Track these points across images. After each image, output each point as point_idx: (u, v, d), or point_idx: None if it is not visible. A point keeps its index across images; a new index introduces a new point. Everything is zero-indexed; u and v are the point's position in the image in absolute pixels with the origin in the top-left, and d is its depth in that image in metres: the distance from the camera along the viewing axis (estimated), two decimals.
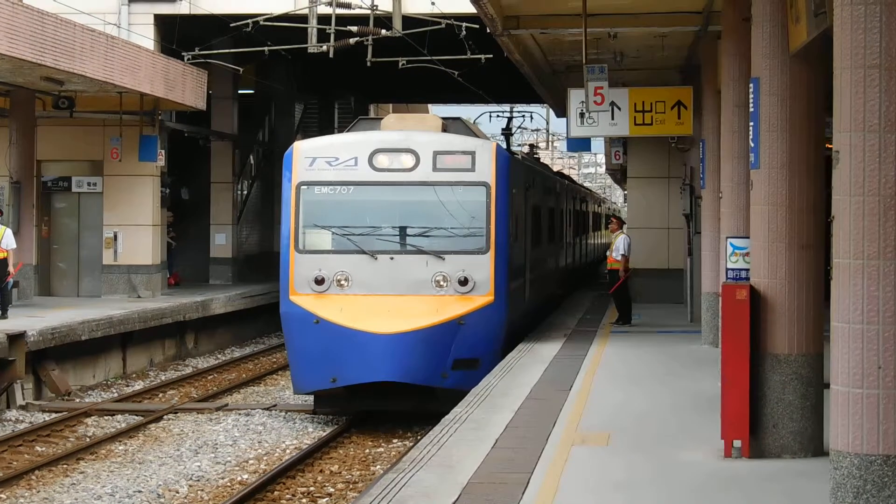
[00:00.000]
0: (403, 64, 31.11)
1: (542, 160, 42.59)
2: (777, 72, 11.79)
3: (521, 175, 21.29)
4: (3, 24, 21.80)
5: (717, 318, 12.91)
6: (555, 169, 43.38)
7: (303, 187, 17.88)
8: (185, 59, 29.61)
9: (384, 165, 17.93)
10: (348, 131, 20.15)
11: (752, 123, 12.03)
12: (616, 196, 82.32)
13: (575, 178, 62.04)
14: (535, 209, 24.61)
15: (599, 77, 20.24)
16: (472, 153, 17.98)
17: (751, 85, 12.10)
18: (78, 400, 21.28)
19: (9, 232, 22.93)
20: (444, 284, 17.55)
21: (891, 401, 6.53)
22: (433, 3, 28.25)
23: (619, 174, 48.88)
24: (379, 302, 17.25)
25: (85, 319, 23.06)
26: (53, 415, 19.34)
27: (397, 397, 17.08)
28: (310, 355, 17.03)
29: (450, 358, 17.04)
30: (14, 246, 23.05)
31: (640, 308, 25.60)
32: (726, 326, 11.50)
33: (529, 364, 17.90)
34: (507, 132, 40.80)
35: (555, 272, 32.07)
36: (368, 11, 27.31)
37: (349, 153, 17.93)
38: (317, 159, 17.94)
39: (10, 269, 22.84)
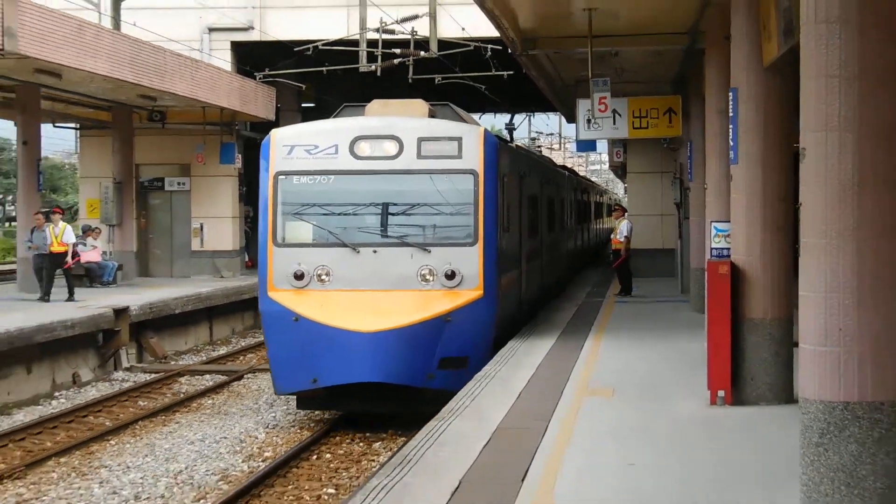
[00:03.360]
0: (439, 80, 30.84)
1: (549, 155, 42.07)
2: (752, 82, 11.79)
3: (514, 163, 17.69)
4: (106, 51, 21.99)
5: (703, 290, 12.80)
6: (566, 166, 42.48)
7: (280, 177, 14.39)
8: (257, 78, 29.68)
9: (366, 153, 14.35)
10: (334, 118, 16.55)
11: (731, 126, 12.00)
12: (618, 188, 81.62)
13: (582, 173, 61.37)
14: (533, 198, 20.75)
15: (603, 89, 19.98)
16: (459, 139, 14.34)
17: (730, 93, 12.07)
18: (172, 363, 21.39)
19: (69, 228, 22.41)
20: (431, 278, 14.02)
21: (850, 356, 6.50)
22: (463, 29, 28.19)
23: (620, 170, 48.43)
24: (361, 298, 13.85)
25: (177, 296, 23.19)
26: (152, 375, 19.40)
27: (381, 398, 13.68)
28: (289, 355, 13.65)
29: (436, 357, 13.61)
30: (73, 241, 22.56)
31: (639, 281, 25.33)
32: (711, 296, 11.51)
33: (546, 330, 17.74)
34: (510, 126, 40.25)
35: (560, 257, 27.93)
36: (409, 36, 27.31)
37: (329, 141, 14.42)
38: (295, 147, 14.48)
39: (69, 259, 22.30)
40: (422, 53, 27.39)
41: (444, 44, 27.80)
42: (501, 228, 15.17)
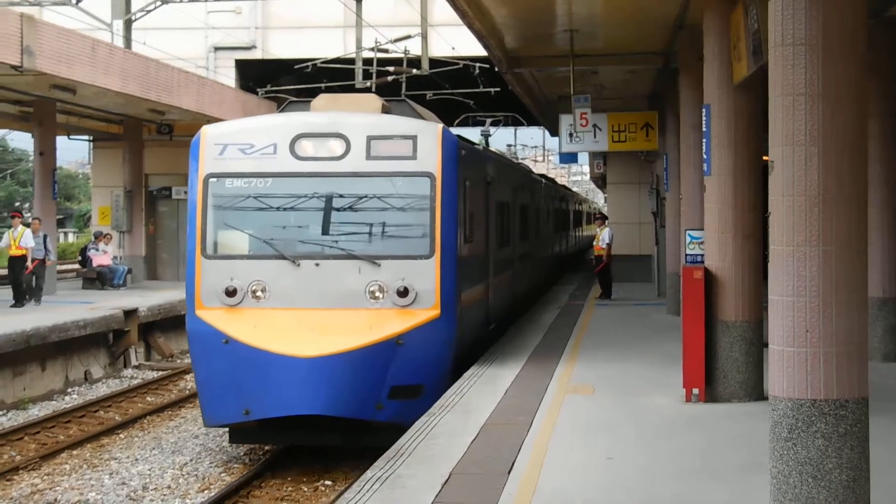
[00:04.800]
0: (430, 96, 30.81)
1: (532, 167, 41.36)
2: (724, 99, 11.73)
3: (479, 166, 14.86)
4: (117, 69, 21.94)
5: (679, 293, 12.80)
6: (545, 174, 41.64)
7: (211, 180, 11.83)
8: (259, 94, 29.68)
9: (308, 153, 11.85)
10: (276, 114, 14.07)
11: (704, 140, 11.93)
12: (598, 198, 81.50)
13: (565, 183, 60.83)
14: (503, 205, 17.86)
15: (584, 105, 19.88)
16: (414, 138, 11.84)
17: (703, 110, 12.00)
18: (178, 361, 21.18)
19: (28, 232, 21.10)
20: (381, 296, 11.53)
21: (816, 356, 6.46)
22: (453, 48, 28.17)
23: (600, 181, 48.09)
24: (301, 317, 11.41)
25: (183, 298, 22.98)
26: (160, 372, 19.33)
27: (324, 431, 11.26)
28: (219, 382, 11.19)
29: (386, 385, 11.19)
30: (32, 245, 20.97)
31: (618, 286, 25.18)
32: (686, 299, 11.45)
33: (531, 330, 17.62)
34: (486, 133, 39.57)
35: (537, 266, 25.39)
36: (402, 55, 27.33)
37: (267, 139, 11.89)
38: (228, 146, 11.91)
39: (28, 264, 20.77)
40: (414, 71, 27.39)
41: (434, 62, 27.83)
42: (463, 238, 12.73)
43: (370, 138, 11.86)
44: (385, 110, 13.00)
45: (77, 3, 28.15)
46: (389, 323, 11.38)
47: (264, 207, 11.90)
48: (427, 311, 11.54)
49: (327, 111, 12.57)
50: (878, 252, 13.51)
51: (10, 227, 22.39)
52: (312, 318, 11.37)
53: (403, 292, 11.52)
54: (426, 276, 11.59)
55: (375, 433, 11.02)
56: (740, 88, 11.39)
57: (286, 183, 11.88)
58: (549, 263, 29.89)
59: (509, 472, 8.04)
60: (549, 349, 15.22)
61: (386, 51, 27.58)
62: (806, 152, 6.52)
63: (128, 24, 29.10)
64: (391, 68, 27.35)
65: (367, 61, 27.55)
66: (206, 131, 12.19)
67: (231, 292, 11.59)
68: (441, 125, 12.53)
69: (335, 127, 11.97)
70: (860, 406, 6.48)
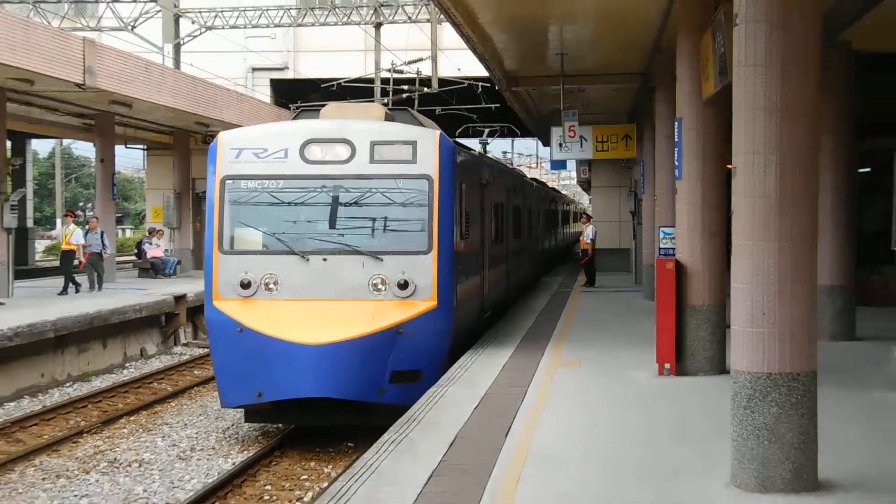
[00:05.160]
0: (439, 111, 30.81)
1: (528, 173, 40.91)
2: (693, 114, 11.63)
3: (475, 169, 14.13)
4: (168, 86, 21.95)
5: (653, 281, 12.69)
6: (536, 178, 40.99)
7: (227, 182, 11.27)
8: (291, 109, 29.67)
9: (317, 157, 11.27)
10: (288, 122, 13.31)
11: (676, 149, 11.84)
12: (584, 199, 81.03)
13: (556, 187, 60.30)
14: (498, 205, 17.05)
15: (572, 119, 19.84)
16: (413, 143, 11.26)
17: (676, 123, 11.91)
18: None
19: (78, 230, 20.99)
20: (383, 288, 10.94)
21: (772, 336, 6.46)
22: (459, 69, 28.16)
23: (585, 184, 47.91)
24: (310, 308, 10.85)
25: None
26: (205, 349, 19.33)
27: (331, 412, 10.69)
28: (234, 367, 10.69)
29: (388, 370, 10.65)
30: (81, 241, 20.63)
31: (601, 275, 25.11)
32: (659, 287, 11.37)
33: (524, 315, 17.48)
34: (483, 142, 39.14)
35: (529, 259, 24.27)
36: (415, 76, 27.33)
37: (279, 144, 11.32)
38: (243, 151, 11.34)
39: (81, 259, 20.55)
40: (425, 89, 27.42)
41: (443, 81, 27.86)
42: (459, 235, 12.13)
43: (373, 143, 11.28)
44: (388, 118, 12.41)
45: (133, 29, 28.20)
46: (390, 313, 10.81)
47: (276, 207, 11.30)
48: (425, 302, 10.98)
49: (335, 118, 12.01)
50: (828, 246, 13.42)
51: (81, 224, 22.40)
52: (320, 309, 10.81)
53: (403, 285, 10.94)
54: (424, 271, 11.02)
55: (378, 414, 10.45)
56: (708, 104, 11.31)
57: (296, 184, 11.31)
58: (541, 257, 29.30)
59: (506, 435, 8.00)
60: (540, 330, 15.11)
61: (401, 72, 27.66)
62: (765, 160, 6.51)
63: (177, 48, 29.15)
64: (405, 87, 27.40)
65: (385, 81, 27.60)
66: (223, 137, 11.61)
67: (246, 285, 11.05)
68: (439, 132, 11.84)
69: (341, 133, 11.38)
70: (810, 379, 6.48)
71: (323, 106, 12.62)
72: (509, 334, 14.48)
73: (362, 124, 11.55)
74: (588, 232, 24.44)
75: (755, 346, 6.43)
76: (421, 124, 12.76)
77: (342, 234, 11.13)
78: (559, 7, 13.79)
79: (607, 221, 31.02)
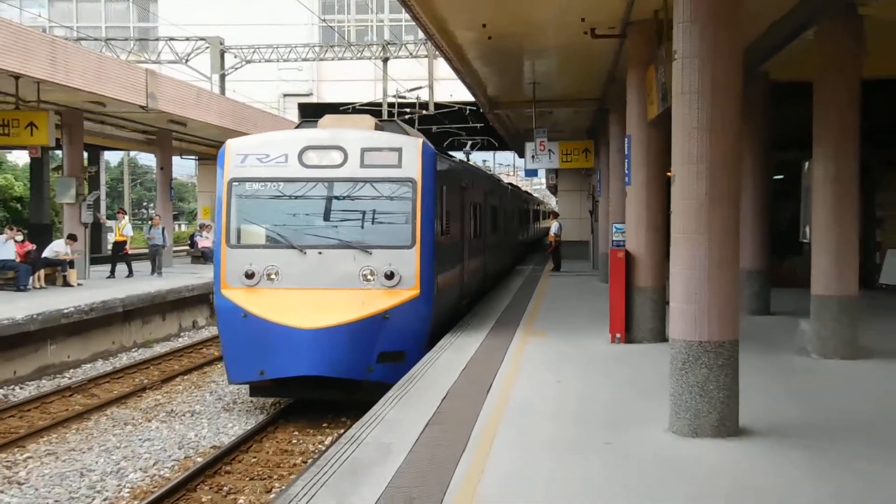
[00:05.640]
0: (434, 129, 30.80)
1: (506, 179, 40.63)
2: (641, 131, 11.54)
3: (454, 174, 13.22)
4: (215, 109, 21.88)
5: (607, 267, 12.63)
6: (512, 183, 40.28)
7: (234, 183, 10.53)
8: None
9: (313, 162, 10.49)
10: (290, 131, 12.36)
11: (626, 160, 11.74)
12: (552, 200, 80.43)
13: (529, 190, 59.49)
14: (476, 205, 15.96)
15: (542, 135, 19.84)
16: (399, 150, 10.51)
17: (626, 139, 11.81)
18: None
19: (129, 225, 20.76)
20: (371, 278, 10.20)
21: (703, 311, 6.46)
22: (451, 95, 28.07)
23: (553, 189, 47.77)
24: (307, 296, 10.12)
25: None
26: None
27: (324, 388, 10.01)
28: (240, 348, 9.97)
29: (375, 351, 9.91)
30: (131, 234, 20.43)
31: (565, 262, 25.15)
32: (612, 272, 11.33)
33: (503, 294, 17.41)
34: (466, 152, 38.66)
35: (505, 251, 23.03)
36: (415, 100, 27.28)
37: (280, 150, 10.59)
38: (248, 156, 10.61)
39: (127, 247, 20.27)
40: (423, 112, 27.29)
41: (438, 105, 27.73)
42: (440, 231, 11.27)
43: (363, 150, 10.51)
44: (378, 128, 11.47)
45: (186, 62, 28.02)
46: (378, 300, 10.08)
47: (277, 205, 10.53)
48: (409, 290, 10.23)
49: (330, 128, 11.17)
50: (748, 238, 13.40)
51: (145, 220, 22.30)
52: (316, 297, 10.10)
53: (390, 275, 10.22)
54: (408, 263, 10.28)
55: (366, 391, 9.71)
56: (651, 124, 11.20)
57: (295, 186, 10.52)
58: (516, 248, 28.49)
59: (488, 391, 7.98)
60: (515, 308, 15.00)
61: (404, 97, 27.59)
62: (697, 169, 6.53)
63: (222, 77, 29.00)
64: (408, 110, 27.29)
65: (391, 105, 27.54)
66: (230, 144, 10.77)
67: (250, 275, 10.28)
68: (422, 140, 10.96)
69: (335, 141, 10.60)
70: (733, 346, 6.50)
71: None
72: (489, 312, 14.35)
73: (354, 133, 10.78)
74: (554, 227, 24.57)
75: (689, 319, 6.43)
76: (406, 133, 11.89)
77: (336, 230, 10.41)
78: (532, 46, 13.68)
79: (571, 219, 31.03)
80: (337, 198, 10.45)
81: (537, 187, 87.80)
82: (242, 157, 10.58)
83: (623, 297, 11.02)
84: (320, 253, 10.25)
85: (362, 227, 10.37)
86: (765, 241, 13.84)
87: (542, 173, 43.65)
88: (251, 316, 9.88)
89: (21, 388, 12.26)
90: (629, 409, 7.29)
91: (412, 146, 10.58)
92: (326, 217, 10.43)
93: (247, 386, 10.62)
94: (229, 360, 10.08)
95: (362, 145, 10.50)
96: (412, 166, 10.43)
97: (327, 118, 11.78)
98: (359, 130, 10.93)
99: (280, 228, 10.42)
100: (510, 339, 11.18)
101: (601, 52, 13.58)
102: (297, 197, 10.46)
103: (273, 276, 10.26)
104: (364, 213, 10.45)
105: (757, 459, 5.76)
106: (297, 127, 12.22)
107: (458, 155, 29.41)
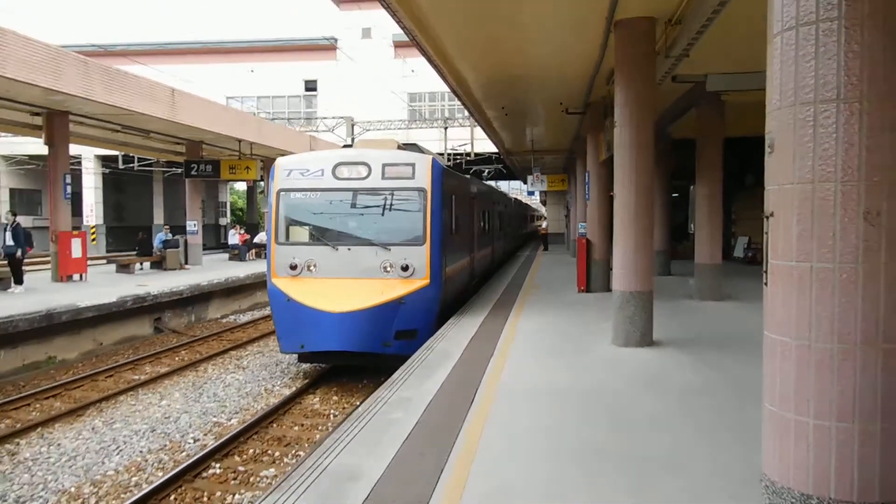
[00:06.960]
0: (473, 169, 37.26)
1: (509, 192, 45.00)
2: (596, 168, 14.47)
3: (460, 186, 14.20)
4: (253, 131, 24.09)
5: (576, 249, 15.68)
6: (517, 197, 45.30)
7: (281, 193, 11.70)
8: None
9: (344, 175, 11.60)
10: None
11: (587, 185, 14.54)
12: (541, 209, 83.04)
13: (528, 202, 62.24)
14: (484, 211, 17.80)
15: (537, 171, 26.27)
16: (413, 164, 11.55)
17: (587, 173, 14.66)
18: None
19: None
20: (390, 270, 11.24)
21: (633, 273, 8.18)
22: (484, 147, 33.66)
23: (544, 202, 51.91)
24: (338, 284, 11.13)
25: None
26: None
27: (352, 358, 10.98)
28: (286, 326, 11.03)
29: (392, 329, 10.86)
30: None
31: (551, 246, 31.92)
32: (578, 251, 14.18)
33: (513, 266, 21.02)
34: (486, 178, 42.58)
35: (508, 243, 27.14)
36: (462, 152, 34.18)
37: (318, 166, 11.68)
38: (293, 171, 11.73)
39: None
40: (467, 157, 34.52)
41: (477, 154, 34.40)
42: (448, 232, 12.26)
43: (384, 165, 11.51)
44: (400, 148, 12.55)
45: (332, 130, 34.60)
46: (396, 288, 10.97)
47: (316, 210, 11.60)
48: (421, 280, 11.15)
49: (359, 148, 12.20)
50: (658, 231, 17.03)
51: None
52: (345, 285, 11.03)
53: (405, 268, 11.17)
54: (420, 257, 11.22)
55: (386, 361, 10.84)
56: (602, 164, 14.07)
57: (330, 195, 11.53)
58: (518, 238, 35.05)
59: (506, 320, 10.21)
60: (519, 274, 18.17)
61: (456, 149, 34.61)
62: (628, 190, 8.43)
63: (352, 140, 33.60)
64: (459, 157, 34.39)
65: (449, 156, 34.33)
66: (279, 162, 11.80)
67: (293, 267, 11.32)
68: (431, 156, 11.94)
69: (361, 158, 11.60)
70: (649, 294, 8.52)
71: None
72: (500, 281, 16.71)
73: (377, 152, 11.69)
74: (543, 224, 29.36)
75: (624, 277, 8.52)
76: (422, 153, 12.86)
77: (361, 230, 11.35)
78: (531, 118, 17.82)
79: (554, 220, 38.72)
80: (362, 203, 11.42)
81: (535, 199, 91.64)
82: (288, 171, 11.59)
83: (585, 266, 13.92)
84: (349, 249, 11.22)
85: (383, 227, 11.32)
86: (668, 232, 17.65)
87: (537, 193, 50.92)
88: (293, 301, 10.78)
89: (243, 316, 18.12)
90: (588, 331, 9.37)
91: (423, 161, 11.47)
92: (354, 220, 11.41)
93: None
94: (279, 335, 11.06)
95: (383, 161, 11.49)
96: (423, 178, 11.34)
97: (360, 141, 13.10)
98: (382, 150, 11.91)
99: (317, 229, 11.40)
100: (519, 290, 14.09)
101: (571, 122, 17.92)
102: (331, 203, 11.46)
103: (312, 268, 11.24)
104: (384, 216, 11.38)
105: (664, 358, 7.59)
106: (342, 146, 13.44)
107: (489, 182, 35.67)
